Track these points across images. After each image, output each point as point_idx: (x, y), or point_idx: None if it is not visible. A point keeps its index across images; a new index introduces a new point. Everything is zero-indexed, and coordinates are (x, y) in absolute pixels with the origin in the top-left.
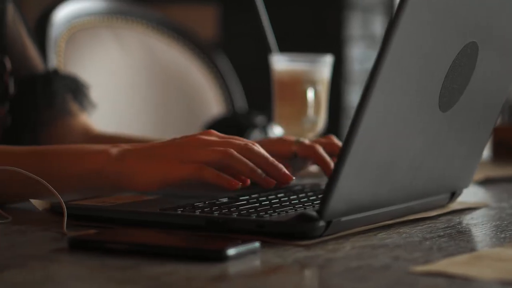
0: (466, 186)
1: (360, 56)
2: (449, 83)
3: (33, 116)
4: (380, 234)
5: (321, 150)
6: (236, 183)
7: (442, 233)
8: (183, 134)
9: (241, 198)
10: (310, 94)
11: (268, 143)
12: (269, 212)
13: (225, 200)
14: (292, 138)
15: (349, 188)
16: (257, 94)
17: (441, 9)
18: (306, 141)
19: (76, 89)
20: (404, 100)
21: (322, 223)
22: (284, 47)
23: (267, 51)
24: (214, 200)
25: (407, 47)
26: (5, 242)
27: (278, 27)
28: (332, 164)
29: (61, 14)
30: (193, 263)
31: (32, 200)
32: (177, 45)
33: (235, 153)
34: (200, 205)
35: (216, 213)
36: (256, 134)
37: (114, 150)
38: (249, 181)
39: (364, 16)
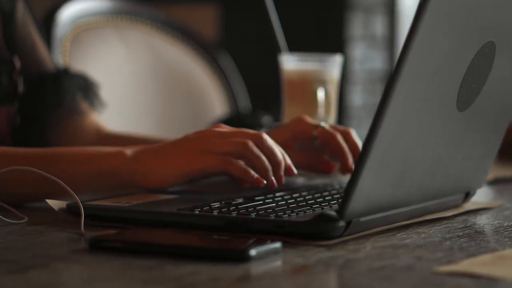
0: (480, 186)
1: (361, 56)
2: (467, 83)
3: (43, 115)
4: (399, 234)
5: (341, 139)
6: (262, 182)
7: (461, 233)
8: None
9: (256, 198)
10: (320, 94)
11: (292, 123)
12: (287, 212)
13: (240, 200)
14: (314, 121)
15: (369, 188)
16: (258, 94)
17: (461, 8)
18: (327, 127)
19: (86, 88)
20: (423, 100)
21: (342, 223)
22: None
23: (268, 51)
24: (230, 200)
25: (427, 48)
26: (24, 242)
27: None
28: (349, 155)
29: (66, 14)
30: (215, 263)
31: (48, 200)
32: (181, 45)
33: (254, 147)
34: (216, 205)
35: (234, 213)
36: None
37: (128, 151)
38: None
39: (365, 16)
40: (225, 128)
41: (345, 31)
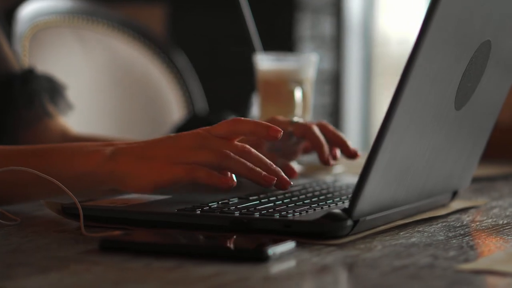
0: (466, 185)
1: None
2: (465, 81)
3: (12, 118)
4: (401, 233)
5: (317, 130)
6: (230, 180)
7: (462, 232)
8: (146, 135)
9: (251, 198)
10: (298, 93)
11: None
12: (289, 211)
13: (235, 200)
14: (285, 118)
15: (375, 188)
16: (208, 95)
17: (463, 6)
18: (301, 121)
19: (52, 90)
20: (427, 100)
21: (350, 222)
22: (236, 48)
23: (216, 51)
24: (226, 200)
25: (435, 49)
26: (29, 244)
27: (229, 29)
28: (326, 147)
29: (24, 13)
30: (235, 263)
31: (43, 201)
32: (138, 45)
33: (232, 154)
34: (215, 205)
35: (236, 213)
36: None
37: (107, 149)
38: (235, 182)
39: (313, 17)
40: (204, 132)
41: (294, 31)
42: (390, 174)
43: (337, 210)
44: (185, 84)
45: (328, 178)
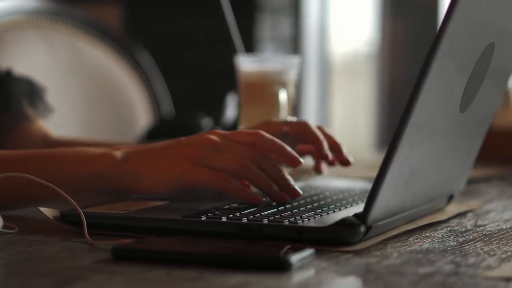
0: (461, 189)
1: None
2: (470, 84)
3: None
4: (410, 238)
5: (313, 127)
6: (260, 200)
7: (471, 237)
8: (113, 136)
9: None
10: (282, 95)
11: (260, 124)
12: (297, 217)
13: (235, 205)
14: (278, 119)
15: (387, 194)
16: (172, 97)
17: (475, 9)
18: (295, 119)
19: (31, 92)
20: (437, 106)
21: (363, 229)
22: (196, 49)
23: (175, 51)
24: (229, 206)
25: (447, 55)
26: (38, 253)
27: (189, 30)
28: (325, 142)
29: None
30: (257, 272)
31: (42, 208)
32: (102, 45)
33: (253, 166)
34: (219, 212)
35: (244, 220)
36: None
37: (117, 152)
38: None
39: (273, 18)
40: (221, 137)
41: (254, 32)
42: (400, 180)
43: (350, 217)
44: (150, 85)
45: (316, 182)
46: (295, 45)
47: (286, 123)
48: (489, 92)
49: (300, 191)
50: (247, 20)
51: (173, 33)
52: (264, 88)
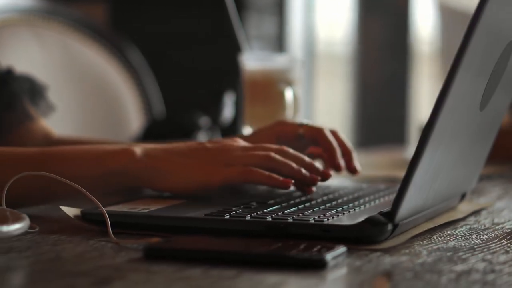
0: (472, 187)
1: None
2: (490, 82)
3: None
4: (433, 236)
5: (329, 133)
6: (290, 181)
7: (493, 235)
8: (105, 135)
9: (269, 202)
10: (288, 94)
11: (275, 125)
12: (321, 215)
13: (255, 204)
14: (293, 120)
15: (413, 193)
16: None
17: (499, 7)
18: (311, 123)
19: (33, 91)
20: (462, 105)
21: (390, 227)
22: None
23: (158, 50)
24: (248, 205)
25: (473, 55)
26: (66, 252)
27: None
28: (338, 150)
29: None
30: (291, 270)
31: (63, 207)
32: (94, 44)
33: (277, 156)
34: (241, 210)
35: (269, 218)
36: (202, 136)
37: (136, 148)
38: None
39: (258, 16)
40: (244, 143)
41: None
42: (425, 180)
43: (377, 215)
44: (141, 84)
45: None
46: (280, 43)
47: (301, 125)
48: (504, 90)
49: (330, 172)
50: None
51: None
52: (269, 87)
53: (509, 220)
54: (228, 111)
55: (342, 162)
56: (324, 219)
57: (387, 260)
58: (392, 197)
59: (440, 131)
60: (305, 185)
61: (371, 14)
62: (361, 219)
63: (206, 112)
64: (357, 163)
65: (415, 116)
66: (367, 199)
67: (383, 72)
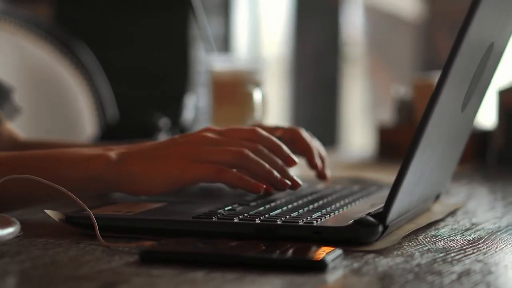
0: (446, 188)
1: (203, 57)
2: (472, 84)
3: None
4: (419, 237)
5: (306, 134)
6: (261, 186)
7: (476, 236)
8: (60, 136)
9: (251, 204)
10: (257, 95)
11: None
12: (308, 217)
13: (240, 207)
14: (270, 124)
15: (403, 194)
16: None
17: (486, 10)
18: (287, 126)
19: None
20: (448, 108)
21: (381, 228)
22: (132, 49)
23: (101, 50)
24: (231, 207)
25: (461, 59)
26: (59, 256)
27: (125, 30)
28: (316, 151)
29: None
30: (291, 273)
31: (47, 211)
32: (46, 44)
33: (251, 154)
34: (227, 213)
35: (257, 220)
36: (162, 137)
37: (111, 153)
38: (271, 188)
39: (205, 17)
40: (215, 133)
41: (188, 31)
42: (413, 181)
43: (367, 217)
44: (94, 85)
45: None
46: (226, 44)
47: (278, 128)
48: (481, 91)
49: (300, 182)
50: (181, 18)
51: (106, 32)
52: (236, 88)
53: (487, 221)
54: (188, 113)
55: (319, 163)
56: (313, 221)
57: (383, 262)
58: (371, 198)
59: (429, 134)
60: (273, 187)
61: (307, 15)
62: (350, 220)
63: (165, 113)
64: (328, 171)
65: (346, 117)
66: (347, 200)
67: (317, 73)
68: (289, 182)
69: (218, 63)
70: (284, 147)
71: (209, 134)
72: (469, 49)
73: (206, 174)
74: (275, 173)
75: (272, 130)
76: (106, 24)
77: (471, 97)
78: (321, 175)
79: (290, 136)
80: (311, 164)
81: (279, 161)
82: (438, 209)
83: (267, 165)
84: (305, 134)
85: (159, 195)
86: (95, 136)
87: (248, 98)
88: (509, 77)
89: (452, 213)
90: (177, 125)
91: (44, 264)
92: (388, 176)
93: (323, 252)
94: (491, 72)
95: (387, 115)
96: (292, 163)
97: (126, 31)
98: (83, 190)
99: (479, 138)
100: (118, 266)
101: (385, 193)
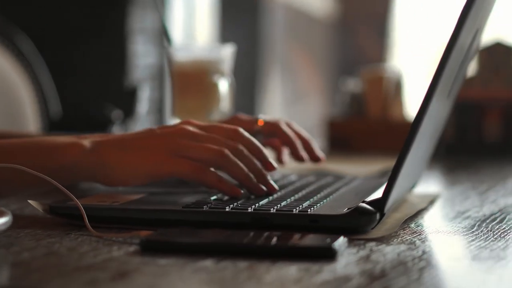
0: (420, 178)
1: (141, 51)
2: (458, 70)
3: None
4: (411, 225)
5: (286, 127)
6: (239, 192)
7: (467, 223)
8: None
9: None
10: (223, 85)
11: (229, 122)
12: (301, 205)
13: (223, 196)
14: (249, 116)
15: (399, 183)
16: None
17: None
18: (267, 117)
19: None
20: (439, 102)
21: (378, 217)
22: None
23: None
24: (215, 196)
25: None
26: (56, 248)
27: (58, 25)
28: (298, 142)
29: None
30: (302, 261)
31: (31, 201)
32: None
33: (231, 154)
34: (217, 202)
35: (250, 209)
36: (116, 129)
37: (85, 141)
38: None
39: (141, 10)
40: (196, 127)
41: (125, 24)
42: (407, 170)
43: (364, 205)
44: (36, 78)
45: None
46: (160, 39)
47: (257, 120)
48: (463, 74)
49: (276, 187)
50: (118, 12)
51: (47, 26)
52: (200, 78)
53: (469, 209)
54: (141, 105)
55: (304, 154)
56: (307, 210)
57: (388, 249)
58: (351, 188)
59: (425, 121)
60: (249, 192)
61: (231, 17)
62: (343, 209)
63: (118, 105)
64: (319, 151)
65: (268, 111)
66: (329, 190)
67: (242, 75)
68: (265, 188)
69: (180, 53)
70: (264, 151)
71: (190, 128)
72: (457, 52)
73: (184, 171)
74: (253, 178)
75: (252, 122)
76: (47, 18)
77: (451, 90)
78: (314, 158)
79: (270, 130)
80: (297, 157)
81: (258, 164)
82: (415, 199)
83: (245, 169)
84: (285, 127)
85: (135, 186)
86: (38, 130)
87: (213, 89)
88: None
89: (431, 202)
90: (130, 118)
91: (43, 254)
92: (349, 168)
93: (330, 240)
94: (471, 57)
95: (311, 107)
96: (271, 168)
97: (68, 26)
98: (59, 178)
99: None
100: (121, 256)
101: (362, 183)
